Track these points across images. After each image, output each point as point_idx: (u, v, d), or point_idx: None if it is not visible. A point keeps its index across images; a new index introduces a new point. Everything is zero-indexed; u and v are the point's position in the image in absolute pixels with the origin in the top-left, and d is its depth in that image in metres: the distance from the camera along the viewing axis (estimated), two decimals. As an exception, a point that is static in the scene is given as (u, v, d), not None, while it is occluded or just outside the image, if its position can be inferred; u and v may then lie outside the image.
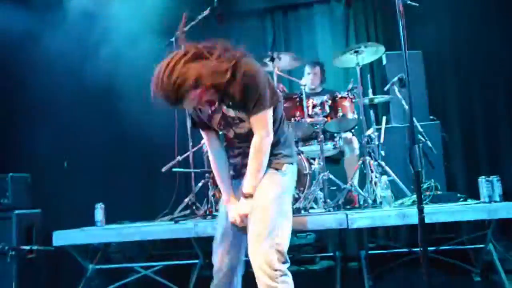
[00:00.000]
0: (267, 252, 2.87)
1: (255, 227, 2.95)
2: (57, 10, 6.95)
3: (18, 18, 6.64)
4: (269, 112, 2.99)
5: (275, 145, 3.11)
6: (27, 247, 5.37)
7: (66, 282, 5.77)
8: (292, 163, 3.19)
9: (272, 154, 3.10)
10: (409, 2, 4.10)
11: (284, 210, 3.08)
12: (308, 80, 6.06)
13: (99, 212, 5.45)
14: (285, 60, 5.83)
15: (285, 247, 2.96)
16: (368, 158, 5.34)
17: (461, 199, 5.11)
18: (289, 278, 2.97)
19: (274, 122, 3.08)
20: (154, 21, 6.71)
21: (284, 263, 2.93)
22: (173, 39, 5.73)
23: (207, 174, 5.52)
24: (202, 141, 5.41)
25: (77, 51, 6.79)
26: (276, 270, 2.86)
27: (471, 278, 5.13)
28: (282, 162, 3.12)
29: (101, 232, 5.19)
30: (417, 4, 4.61)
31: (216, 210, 5.30)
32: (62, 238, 5.02)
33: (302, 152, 5.43)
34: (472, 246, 5.15)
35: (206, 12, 5.85)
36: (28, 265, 5.45)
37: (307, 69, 6.20)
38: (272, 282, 2.84)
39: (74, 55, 6.71)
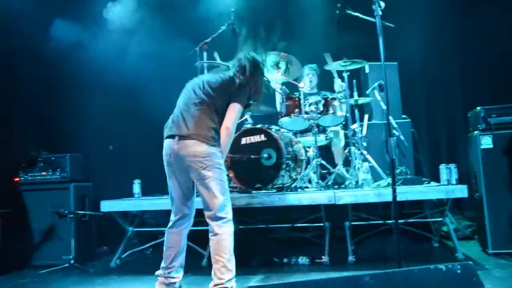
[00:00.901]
0: None
1: None
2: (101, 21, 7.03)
3: (72, 29, 6.74)
4: None
5: None
6: (82, 212, 5.44)
7: (112, 240, 6.00)
8: None
9: None
10: (386, 24, 4.29)
11: None
12: (306, 82, 5.95)
13: (137, 186, 5.62)
14: (288, 65, 5.75)
15: None
16: (352, 147, 5.41)
17: (426, 182, 5.25)
18: None
19: None
20: (183, 32, 6.75)
21: None
22: (197, 49, 5.87)
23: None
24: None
25: (120, 55, 6.84)
26: None
27: (431, 244, 5.30)
28: None
29: (138, 202, 5.35)
30: (393, 25, 4.80)
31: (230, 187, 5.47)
32: (108, 206, 5.21)
33: (300, 142, 5.56)
34: (433, 220, 5.20)
35: (223, 27, 5.98)
36: (82, 225, 5.51)
37: (305, 73, 6.09)
38: None
39: (118, 59, 6.74)
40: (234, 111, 3.60)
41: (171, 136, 3.54)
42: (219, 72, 3.95)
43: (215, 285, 3.37)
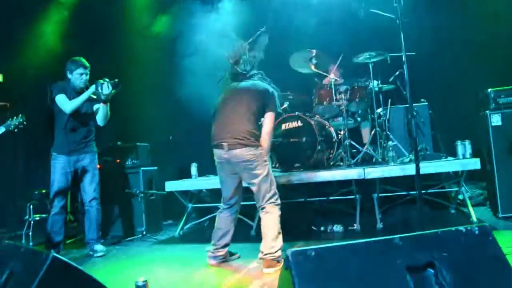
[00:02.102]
0: None
1: None
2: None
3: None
4: None
5: None
6: (150, 191, 5.61)
7: (175, 214, 6.16)
8: None
9: None
10: (405, 20, 4.25)
11: None
12: (334, 72, 5.80)
13: (194, 168, 5.77)
14: (319, 59, 5.75)
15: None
16: (378, 129, 5.43)
17: (443, 157, 5.23)
18: None
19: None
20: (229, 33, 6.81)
21: None
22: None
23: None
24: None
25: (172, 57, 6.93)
26: None
27: (449, 211, 5.27)
28: None
29: (196, 182, 5.50)
30: (409, 20, 4.74)
31: (272, 168, 5.53)
32: (171, 186, 5.36)
33: (332, 126, 5.55)
34: (450, 189, 5.20)
35: (262, 29, 5.98)
36: (151, 203, 5.65)
37: (332, 64, 5.90)
38: None
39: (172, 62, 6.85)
40: (270, 119, 3.70)
41: (219, 146, 3.62)
42: (252, 79, 3.91)
43: (265, 254, 3.46)
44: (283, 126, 5.21)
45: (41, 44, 6.71)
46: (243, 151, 3.52)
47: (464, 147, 4.81)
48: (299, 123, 5.15)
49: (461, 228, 1.96)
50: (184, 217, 5.54)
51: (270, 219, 3.54)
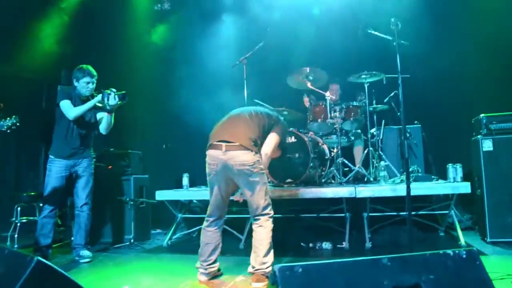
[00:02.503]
0: None
1: None
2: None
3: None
4: None
5: None
6: (140, 200, 5.54)
7: (164, 224, 6.11)
8: None
9: None
10: (402, 41, 4.29)
11: None
12: (331, 92, 5.83)
13: (185, 179, 5.69)
14: (316, 77, 5.74)
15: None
16: (371, 149, 5.46)
17: (434, 179, 5.24)
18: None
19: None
20: (228, 46, 6.88)
21: None
22: (237, 62, 5.95)
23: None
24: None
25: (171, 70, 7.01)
26: None
27: (438, 233, 5.28)
28: None
29: (187, 192, 5.43)
30: (407, 43, 4.80)
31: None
32: (161, 195, 5.33)
33: (325, 143, 5.57)
34: (440, 212, 5.17)
35: (261, 44, 6.04)
36: (140, 211, 5.58)
37: (330, 84, 6.04)
38: None
39: (170, 74, 6.93)
40: (274, 140, 3.62)
41: (217, 147, 3.44)
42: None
43: (256, 269, 3.40)
44: (278, 141, 5.19)
45: (38, 47, 6.69)
46: (243, 154, 3.37)
47: (455, 170, 4.82)
48: (293, 139, 5.17)
49: (449, 251, 1.97)
50: (173, 226, 5.49)
51: (263, 232, 3.45)
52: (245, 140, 3.41)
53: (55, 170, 4.55)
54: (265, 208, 3.48)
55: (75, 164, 4.62)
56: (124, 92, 4.48)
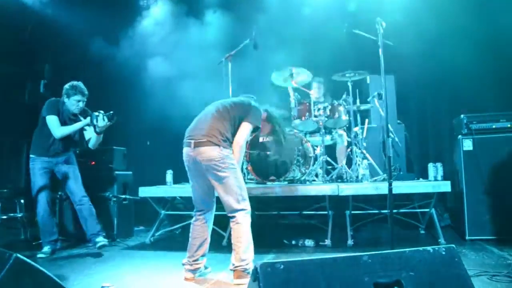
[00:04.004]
0: None
1: None
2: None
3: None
4: None
5: None
6: (123, 196, 5.51)
7: (147, 221, 6.06)
8: None
9: None
10: (386, 41, 4.30)
11: None
12: (315, 90, 5.97)
13: (169, 175, 5.69)
14: (301, 76, 5.74)
15: None
16: (354, 147, 5.46)
17: (416, 178, 5.31)
18: None
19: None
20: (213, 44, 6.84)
21: None
22: (223, 59, 5.94)
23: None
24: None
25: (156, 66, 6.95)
26: None
27: (418, 231, 5.35)
28: None
29: (170, 189, 5.41)
30: (391, 43, 4.82)
31: (248, 179, 5.54)
32: (145, 191, 5.29)
33: (309, 141, 5.57)
34: (421, 210, 5.22)
35: (246, 41, 6.02)
36: (123, 207, 5.55)
37: (314, 83, 6.05)
38: None
39: (154, 70, 6.88)
40: (245, 128, 3.54)
41: (187, 144, 3.47)
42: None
43: (236, 266, 3.36)
44: (261, 139, 5.21)
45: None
46: (210, 150, 3.35)
47: (436, 169, 4.87)
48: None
49: (429, 248, 1.99)
50: (156, 223, 5.46)
51: (241, 230, 3.40)
52: (213, 136, 3.39)
53: (38, 167, 4.56)
54: (239, 203, 3.41)
55: (57, 162, 4.65)
56: (112, 112, 4.49)
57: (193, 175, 3.56)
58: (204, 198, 3.64)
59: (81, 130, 4.69)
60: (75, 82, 4.62)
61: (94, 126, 4.47)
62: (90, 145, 4.65)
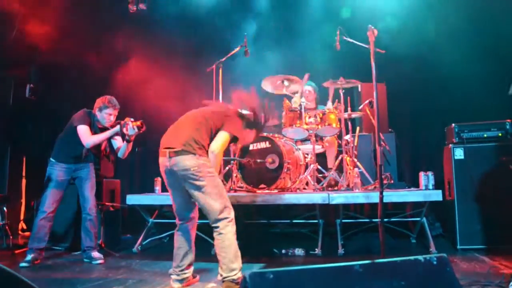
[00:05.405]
0: None
1: None
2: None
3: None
4: None
5: None
6: (110, 204, 5.49)
7: (134, 229, 6.02)
8: None
9: None
10: (378, 49, 4.34)
11: None
12: (306, 98, 5.88)
13: (158, 183, 5.62)
14: (292, 83, 5.77)
15: None
16: (345, 155, 5.45)
17: (407, 187, 5.32)
18: None
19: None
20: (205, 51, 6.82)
21: None
22: (213, 67, 5.94)
23: (231, 161, 5.53)
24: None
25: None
26: None
27: (409, 240, 5.35)
28: None
29: (158, 197, 5.35)
30: (383, 51, 4.86)
31: (237, 187, 5.53)
32: (132, 199, 5.25)
33: (299, 149, 5.61)
34: (412, 219, 5.22)
35: (237, 49, 6.05)
36: (110, 215, 5.51)
37: (305, 90, 5.99)
38: None
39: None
40: (221, 137, 3.43)
41: (163, 153, 3.39)
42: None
43: (224, 277, 3.30)
44: (251, 146, 5.21)
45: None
46: (185, 159, 3.26)
47: (427, 178, 4.88)
48: (267, 144, 5.17)
49: (420, 258, 1.98)
50: (144, 232, 5.41)
51: (225, 240, 3.30)
52: (188, 145, 3.30)
53: (57, 173, 4.62)
54: (221, 212, 3.31)
55: (76, 168, 4.72)
56: (141, 121, 4.54)
57: (171, 185, 3.48)
58: (186, 207, 3.57)
59: (110, 140, 4.75)
60: (108, 96, 4.70)
61: (123, 135, 4.54)
62: (120, 154, 4.69)
